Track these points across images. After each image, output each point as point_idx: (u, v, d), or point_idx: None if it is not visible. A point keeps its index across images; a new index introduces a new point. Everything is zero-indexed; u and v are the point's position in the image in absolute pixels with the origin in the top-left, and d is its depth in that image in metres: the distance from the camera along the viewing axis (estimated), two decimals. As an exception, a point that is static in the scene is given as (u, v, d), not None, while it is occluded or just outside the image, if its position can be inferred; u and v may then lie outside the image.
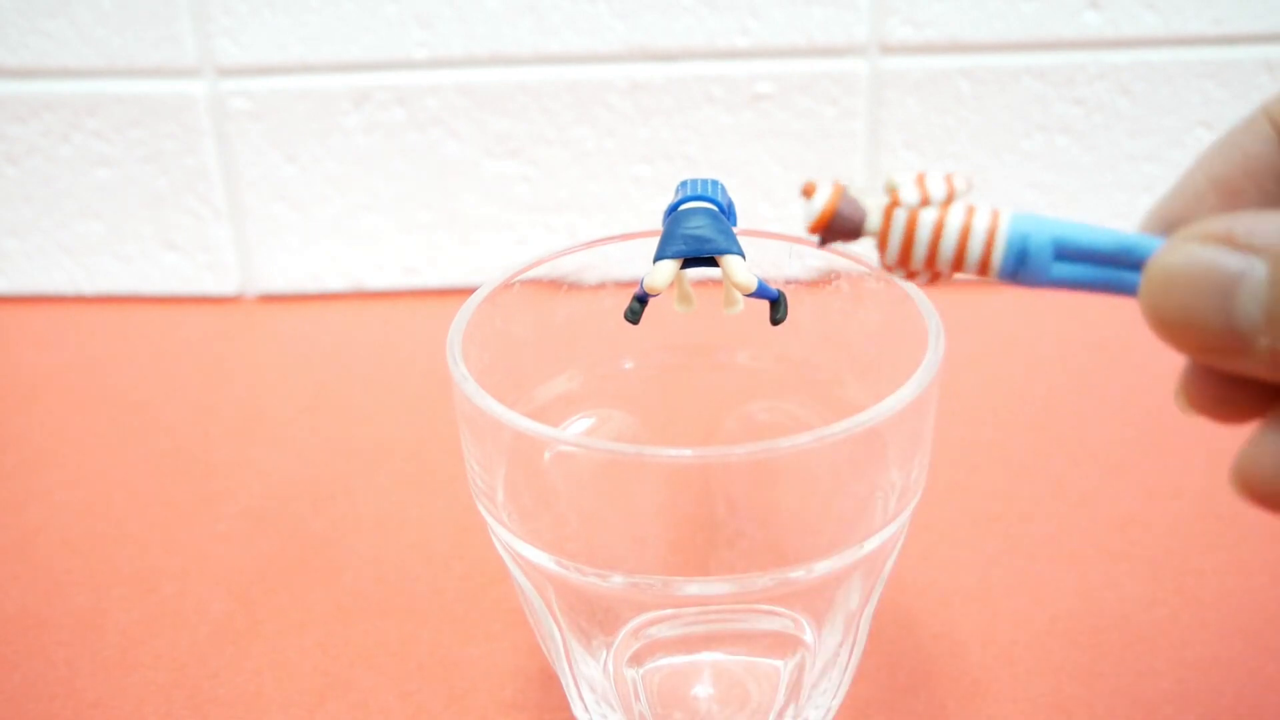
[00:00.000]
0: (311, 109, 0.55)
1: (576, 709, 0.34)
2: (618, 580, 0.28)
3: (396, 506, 0.44)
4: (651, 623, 0.31)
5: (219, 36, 0.54)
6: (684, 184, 0.31)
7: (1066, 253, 0.22)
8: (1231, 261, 0.18)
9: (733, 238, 0.30)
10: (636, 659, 0.32)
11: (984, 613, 0.38)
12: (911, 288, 0.31)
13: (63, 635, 0.39)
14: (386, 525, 0.43)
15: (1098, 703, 0.35)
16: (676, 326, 0.34)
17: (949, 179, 0.22)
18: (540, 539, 0.29)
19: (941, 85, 0.53)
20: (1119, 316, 0.54)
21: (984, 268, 0.22)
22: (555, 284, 0.34)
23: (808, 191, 0.24)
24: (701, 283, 0.32)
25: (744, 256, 0.30)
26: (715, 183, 0.31)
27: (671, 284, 0.30)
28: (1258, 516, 0.42)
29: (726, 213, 0.30)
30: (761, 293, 0.30)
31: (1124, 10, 0.52)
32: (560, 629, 0.31)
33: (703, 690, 0.33)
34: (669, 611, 0.30)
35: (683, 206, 0.30)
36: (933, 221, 0.22)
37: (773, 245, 0.34)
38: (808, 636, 0.31)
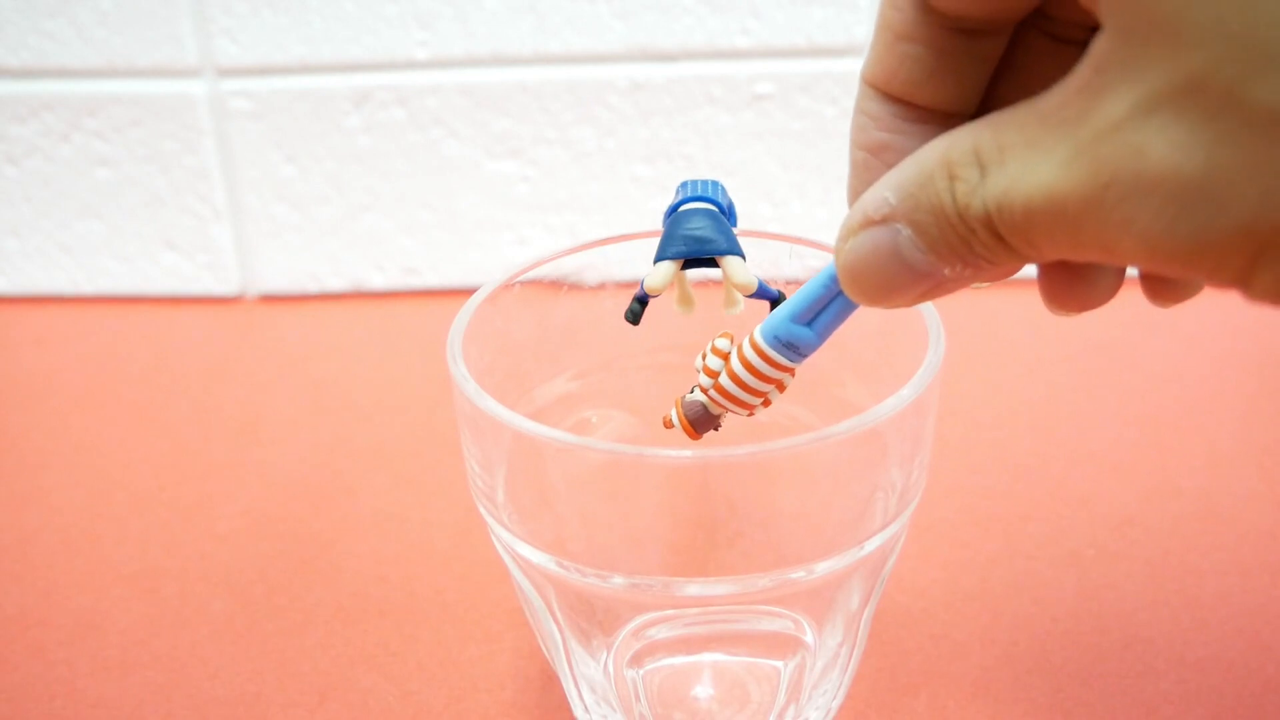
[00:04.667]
0: (311, 109, 0.55)
1: (576, 709, 0.34)
2: (618, 581, 0.28)
3: (396, 506, 0.44)
4: (652, 623, 0.31)
5: (219, 36, 0.54)
6: (684, 184, 0.31)
7: (801, 317, 0.26)
8: (881, 235, 0.22)
9: (733, 238, 0.30)
10: (637, 659, 0.32)
11: (984, 613, 0.38)
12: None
13: (63, 635, 0.39)
14: (386, 525, 0.43)
15: (1098, 703, 0.35)
16: (676, 327, 0.34)
17: (728, 339, 0.28)
18: (540, 539, 0.29)
19: (941, 85, 0.53)
20: (1119, 316, 0.54)
21: (758, 353, 0.27)
22: (555, 284, 0.34)
23: (667, 423, 0.29)
24: (701, 283, 0.32)
25: (744, 257, 0.30)
26: (715, 183, 0.31)
27: (672, 285, 0.30)
28: (1258, 517, 0.42)
29: (726, 213, 0.30)
30: (761, 293, 0.30)
31: (1124, 10, 0.52)
32: (560, 630, 0.31)
33: (703, 691, 0.33)
34: (669, 612, 0.30)
35: (683, 207, 0.30)
36: (730, 382, 0.28)
37: (773, 245, 0.34)
38: (808, 637, 0.31)
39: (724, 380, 0.28)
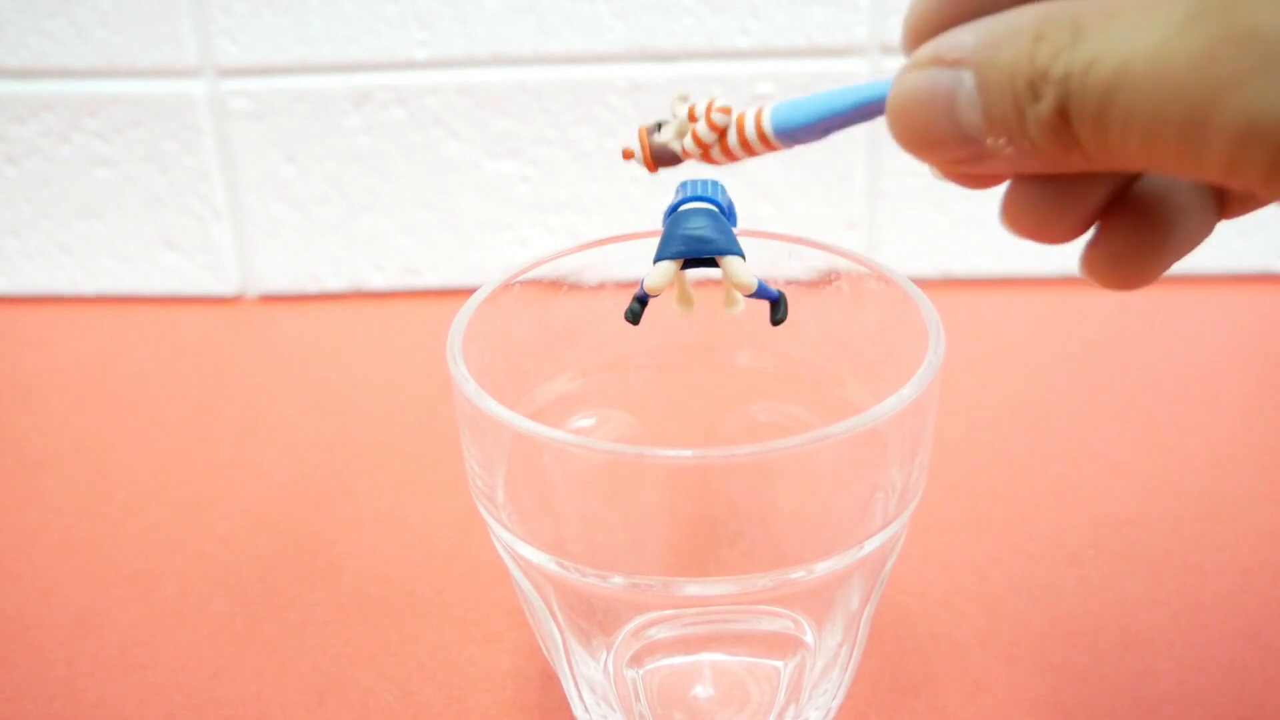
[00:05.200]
0: (311, 109, 0.55)
1: (576, 709, 0.34)
2: (618, 581, 0.28)
3: (396, 506, 0.44)
4: (652, 623, 0.31)
5: (219, 36, 0.54)
6: (684, 184, 0.31)
7: (820, 123, 0.26)
8: (944, 78, 0.21)
9: (733, 238, 0.30)
10: (637, 659, 0.32)
11: (984, 613, 0.38)
12: (912, 288, 0.31)
13: (63, 635, 0.39)
14: (386, 525, 0.43)
15: (1098, 703, 0.35)
16: (676, 326, 0.34)
17: (725, 113, 0.27)
18: (540, 540, 0.29)
19: (941, 85, 0.53)
20: (1120, 316, 0.54)
21: (761, 139, 0.27)
22: (555, 284, 0.34)
23: (627, 155, 0.28)
24: (701, 283, 0.32)
25: (744, 257, 0.30)
26: (715, 183, 0.31)
27: (671, 284, 0.30)
28: (1258, 516, 0.42)
29: (726, 213, 0.30)
30: (761, 293, 0.30)
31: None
32: (560, 630, 0.31)
33: (703, 691, 0.33)
34: (669, 612, 0.30)
35: (683, 207, 0.30)
36: (718, 150, 0.27)
37: (773, 245, 0.34)
38: (808, 637, 0.31)
39: (706, 137, 0.27)
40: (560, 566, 0.29)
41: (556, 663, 0.33)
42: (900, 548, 0.31)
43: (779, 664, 0.32)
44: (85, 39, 0.54)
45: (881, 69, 0.53)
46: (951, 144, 0.21)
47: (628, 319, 0.31)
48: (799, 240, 0.33)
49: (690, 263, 0.30)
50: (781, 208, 0.56)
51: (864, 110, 0.24)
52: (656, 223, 0.31)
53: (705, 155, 0.27)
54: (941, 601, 0.39)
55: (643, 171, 0.29)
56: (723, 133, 0.27)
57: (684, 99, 0.28)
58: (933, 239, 0.57)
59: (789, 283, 0.34)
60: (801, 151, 0.56)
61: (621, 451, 0.27)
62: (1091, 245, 0.23)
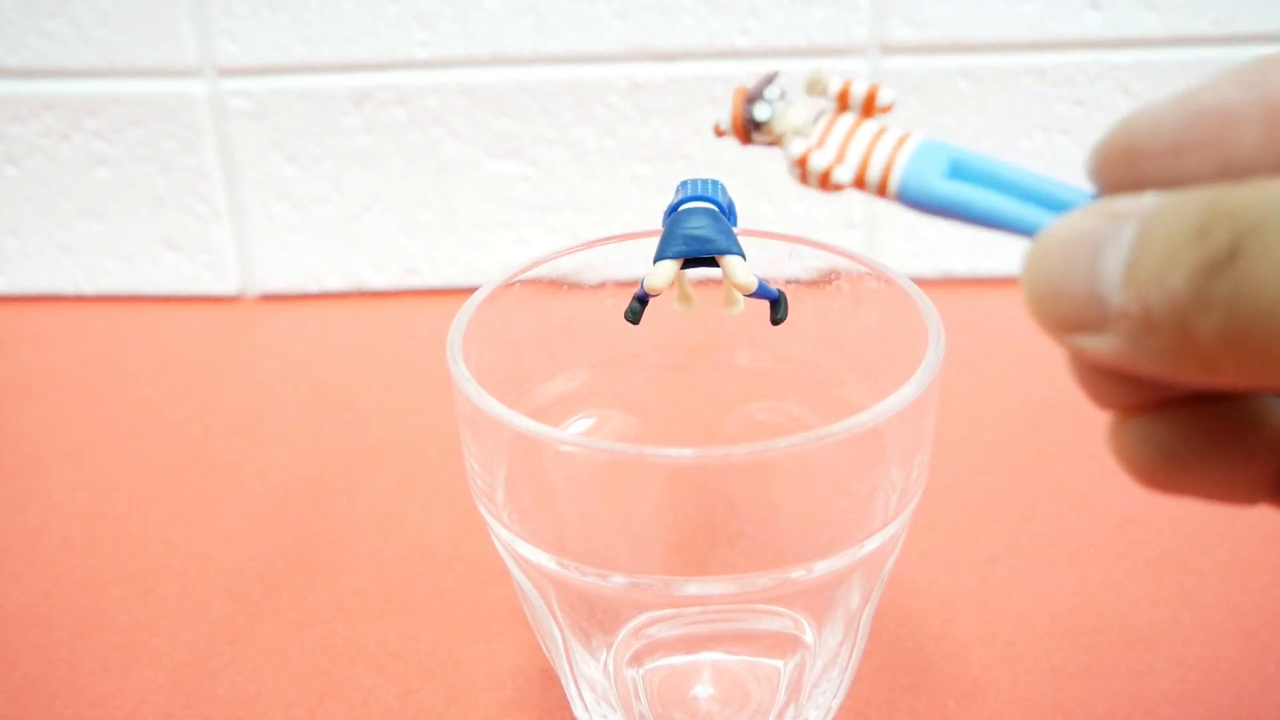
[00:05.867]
0: (311, 109, 0.55)
1: (576, 709, 0.34)
2: (618, 580, 0.28)
3: (396, 506, 0.44)
4: (652, 623, 0.31)
5: (219, 36, 0.54)
6: (684, 184, 0.31)
7: (965, 173, 0.21)
8: (1105, 225, 0.18)
9: (733, 238, 0.30)
10: (637, 659, 0.32)
11: (984, 613, 0.38)
12: (912, 288, 0.31)
13: (63, 635, 0.39)
14: (386, 525, 0.43)
15: (1098, 703, 0.35)
16: (676, 326, 0.34)
17: (873, 89, 0.23)
18: (540, 539, 0.29)
19: (941, 85, 0.53)
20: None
21: (884, 179, 0.21)
22: (555, 284, 0.34)
23: (719, 132, 0.24)
24: (701, 283, 0.32)
25: (744, 256, 0.30)
26: (715, 183, 0.31)
27: (671, 284, 0.30)
28: (1258, 516, 0.42)
29: (726, 213, 0.30)
30: (761, 293, 0.30)
31: (1124, 10, 0.52)
32: (560, 629, 0.31)
33: (703, 690, 0.33)
34: (669, 611, 0.30)
35: (683, 207, 0.30)
36: (849, 125, 0.22)
37: (773, 245, 0.34)
38: (808, 636, 0.31)
39: (844, 118, 0.22)
40: (560, 566, 0.29)
41: (556, 662, 0.33)
42: (900, 547, 0.31)
43: (779, 663, 0.32)
44: (85, 39, 0.54)
45: (881, 69, 0.53)
46: (1076, 298, 0.17)
47: (628, 319, 0.31)
48: (799, 240, 0.33)
49: (690, 262, 0.30)
50: (781, 208, 0.56)
51: (1008, 227, 0.20)
52: (656, 222, 0.31)
53: (821, 138, 0.22)
54: (941, 601, 0.39)
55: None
56: (868, 108, 0.22)
57: (819, 83, 0.23)
58: (933, 239, 0.57)
59: (789, 283, 0.34)
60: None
61: (621, 451, 0.27)
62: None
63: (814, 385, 0.34)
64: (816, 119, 0.23)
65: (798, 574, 0.28)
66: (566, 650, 0.32)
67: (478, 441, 0.29)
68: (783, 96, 0.23)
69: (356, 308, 0.58)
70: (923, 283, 0.33)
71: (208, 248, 0.58)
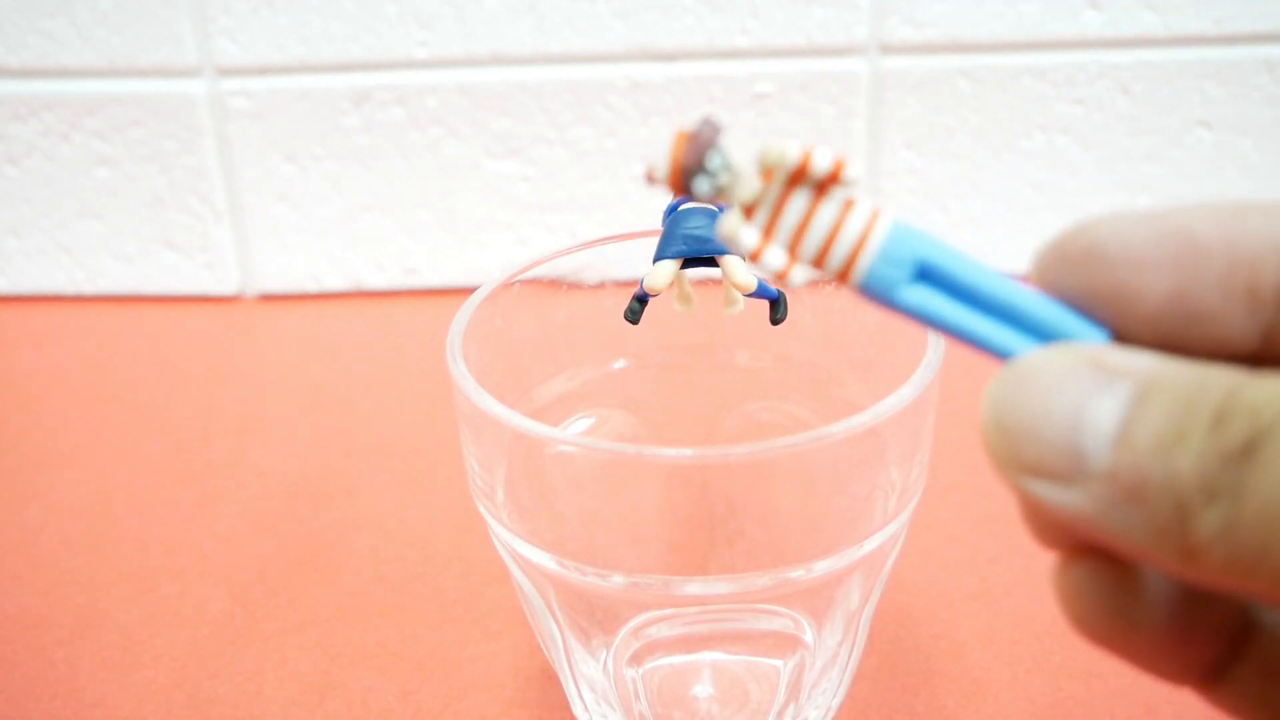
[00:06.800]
0: (311, 109, 0.55)
1: (576, 709, 0.34)
2: (618, 580, 0.28)
3: (396, 506, 0.44)
4: (651, 622, 0.31)
5: (219, 36, 0.54)
6: (684, 184, 0.31)
7: (934, 277, 0.19)
8: (1095, 376, 0.16)
9: (733, 238, 0.30)
10: (636, 659, 0.32)
11: (984, 613, 0.38)
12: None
13: (63, 635, 0.39)
14: (386, 525, 0.43)
15: (1098, 703, 0.35)
16: (676, 326, 0.34)
17: (839, 162, 0.19)
18: (540, 539, 0.29)
19: (941, 85, 0.53)
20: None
21: (844, 272, 0.19)
22: (555, 284, 0.34)
23: (650, 178, 0.20)
24: (701, 283, 0.32)
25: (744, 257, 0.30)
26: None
27: (671, 284, 0.30)
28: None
29: (726, 213, 0.30)
30: (761, 293, 0.30)
31: (1124, 10, 0.52)
32: (560, 629, 0.31)
33: (703, 690, 0.33)
34: (669, 611, 0.30)
35: (682, 206, 0.30)
36: (803, 209, 0.19)
37: (773, 245, 0.33)
38: (808, 636, 0.31)
39: (798, 194, 0.19)
40: (560, 565, 0.29)
41: (556, 662, 0.33)
42: (900, 547, 0.31)
43: (779, 663, 0.32)
44: (85, 39, 0.54)
45: (881, 69, 0.53)
46: (1054, 445, 0.16)
47: (628, 318, 0.31)
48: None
49: (690, 262, 0.30)
50: (781, 208, 0.56)
51: (978, 346, 0.19)
52: (656, 222, 0.31)
53: (772, 219, 0.19)
54: (941, 601, 0.39)
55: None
56: (831, 181, 0.19)
57: (774, 166, 0.19)
58: (932, 239, 0.56)
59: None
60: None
61: (621, 451, 0.27)
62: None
63: (814, 385, 0.34)
64: (766, 187, 0.19)
65: (797, 574, 0.28)
66: (566, 650, 0.32)
67: (477, 441, 0.29)
68: (726, 167, 0.19)
69: (356, 308, 0.58)
70: (922, 282, 0.33)
71: (207, 247, 0.58)
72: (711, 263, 0.30)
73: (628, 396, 0.35)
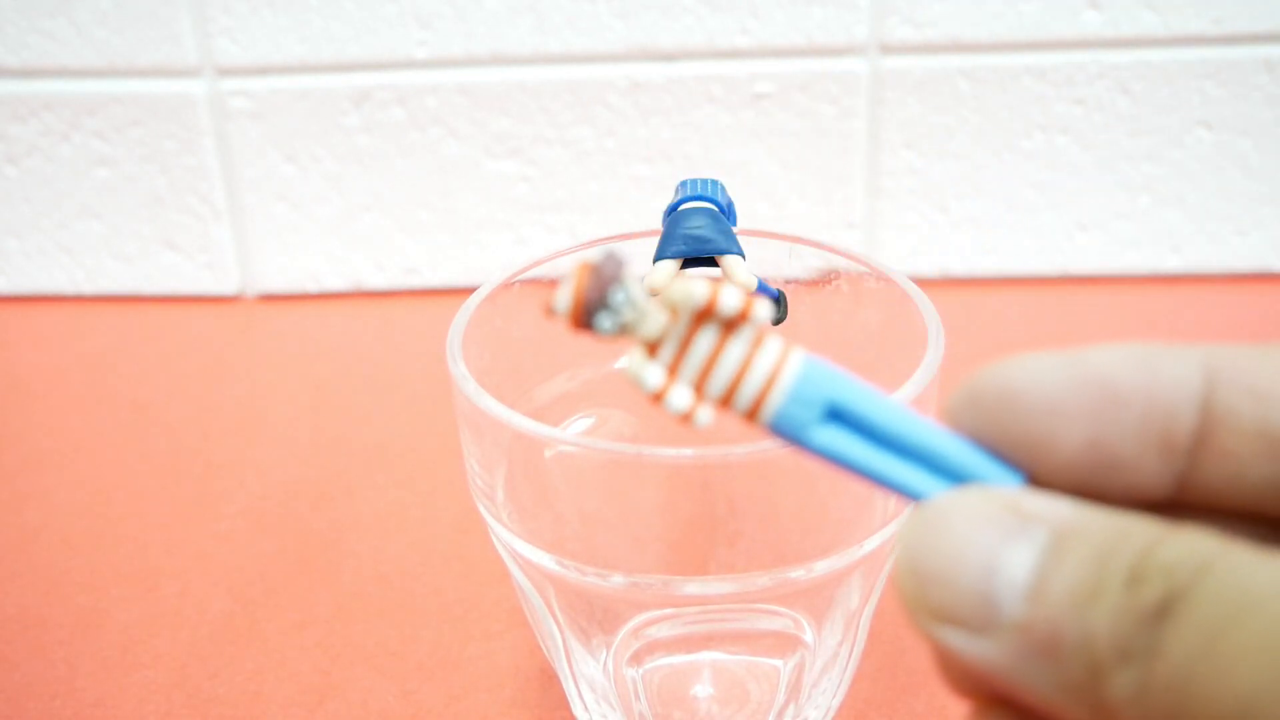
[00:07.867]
0: (311, 109, 0.55)
1: (576, 709, 0.34)
2: (618, 580, 0.28)
3: (396, 506, 0.44)
4: (651, 622, 0.31)
5: (219, 36, 0.54)
6: (684, 184, 0.31)
7: (846, 417, 0.18)
8: (1008, 520, 0.16)
9: (732, 238, 0.30)
10: (636, 658, 0.32)
11: (984, 612, 0.38)
12: (912, 288, 0.31)
13: (63, 635, 0.39)
14: (386, 525, 0.43)
15: (1097, 702, 0.35)
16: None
17: (748, 302, 0.18)
18: (540, 539, 0.29)
19: (941, 85, 0.53)
20: (1119, 316, 0.54)
21: (753, 412, 0.18)
22: (555, 283, 0.34)
23: (548, 313, 0.19)
24: (701, 283, 0.32)
25: (744, 256, 0.30)
26: (715, 183, 0.31)
27: (671, 284, 0.30)
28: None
29: (726, 213, 0.30)
30: (761, 292, 0.30)
31: (1124, 10, 0.52)
32: (560, 629, 0.31)
33: (702, 690, 0.33)
34: (669, 611, 0.30)
35: (682, 206, 0.30)
36: (709, 348, 0.18)
37: (773, 245, 0.34)
38: (808, 636, 0.31)
39: (705, 332, 0.18)
40: (560, 565, 0.29)
41: (556, 662, 0.33)
42: (900, 547, 0.31)
43: (778, 663, 0.32)
44: (85, 39, 0.54)
45: (881, 69, 0.53)
46: (966, 592, 0.16)
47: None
48: (799, 240, 0.33)
49: (690, 262, 0.30)
50: (781, 208, 0.56)
51: (889, 488, 0.18)
52: (656, 222, 0.31)
53: (677, 358, 0.19)
54: (941, 601, 0.39)
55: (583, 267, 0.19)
56: (740, 320, 0.18)
57: (680, 304, 0.18)
58: (933, 239, 0.57)
59: (789, 282, 0.34)
60: (801, 150, 0.56)
61: (621, 451, 0.27)
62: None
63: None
64: (671, 323, 0.18)
65: (797, 574, 0.28)
66: (566, 650, 0.32)
67: (477, 441, 0.29)
68: (630, 302, 0.18)
69: (356, 308, 0.58)
70: (922, 282, 0.33)
71: (207, 247, 0.58)
72: (711, 262, 0.30)
73: (628, 396, 0.35)
